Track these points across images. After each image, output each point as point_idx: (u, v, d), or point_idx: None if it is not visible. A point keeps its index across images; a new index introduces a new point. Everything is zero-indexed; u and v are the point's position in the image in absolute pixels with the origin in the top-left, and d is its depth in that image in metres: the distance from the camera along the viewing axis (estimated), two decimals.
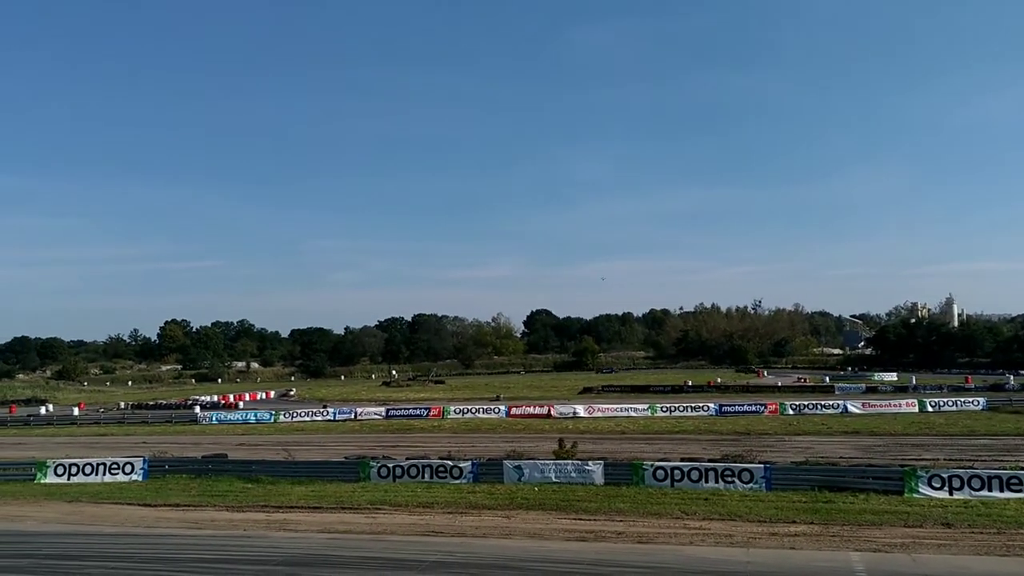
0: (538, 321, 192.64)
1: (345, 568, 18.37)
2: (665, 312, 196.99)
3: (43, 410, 79.62)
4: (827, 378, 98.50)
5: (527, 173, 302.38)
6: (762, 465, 28.17)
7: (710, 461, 29.36)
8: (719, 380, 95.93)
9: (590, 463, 29.67)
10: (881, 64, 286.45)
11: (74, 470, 34.23)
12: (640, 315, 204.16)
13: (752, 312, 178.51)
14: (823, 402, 61.21)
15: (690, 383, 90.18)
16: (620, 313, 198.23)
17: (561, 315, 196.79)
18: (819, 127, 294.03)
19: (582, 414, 58.53)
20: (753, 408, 58.98)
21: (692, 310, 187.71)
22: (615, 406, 61.38)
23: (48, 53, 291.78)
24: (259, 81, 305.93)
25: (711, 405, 59.97)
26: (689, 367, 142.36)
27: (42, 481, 33.76)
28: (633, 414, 58.19)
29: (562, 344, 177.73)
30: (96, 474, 33.96)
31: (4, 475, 34.69)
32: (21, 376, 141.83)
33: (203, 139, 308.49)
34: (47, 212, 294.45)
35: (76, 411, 75.87)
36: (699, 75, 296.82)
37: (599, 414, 58.52)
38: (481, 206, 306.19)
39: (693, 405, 60.46)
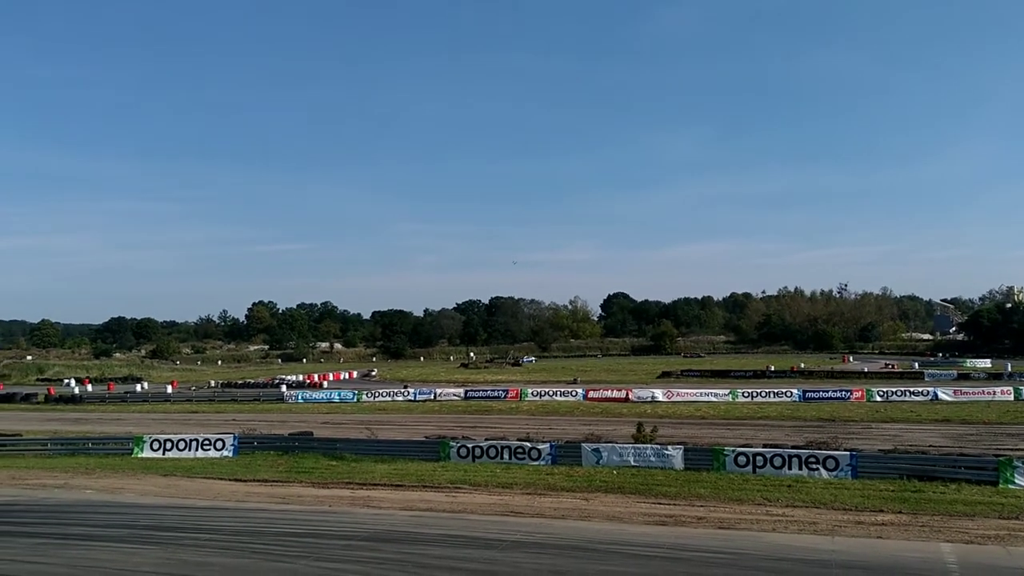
0: (615, 304, 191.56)
1: (428, 545, 18.69)
2: (747, 296, 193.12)
3: (139, 387, 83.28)
4: (916, 364, 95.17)
5: (608, 156, 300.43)
6: (848, 452, 27.47)
7: (793, 448, 28.81)
8: (803, 365, 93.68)
9: (669, 447, 29.43)
10: (975, 44, 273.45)
11: (168, 445, 35.79)
12: (720, 299, 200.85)
13: (838, 296, 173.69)
14: (912, 389, 59.17)
15: (772, 368, 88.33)
16: (700, 297, 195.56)
17: (639, 298, 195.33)
18: (912, 108, 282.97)
19: (661, 398, 58.01)
20: (838, 394, 57.48)
21: (775, 294, 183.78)
22: (695, 391, 60.65)
23: (147, 45, 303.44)
24: (346, 69, 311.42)
25: (794, 391, 58.68)
26: (771, 352, 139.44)
27: (139, 455, 35.41)
28: (713, 399, 57.39)
29: (640, 328, 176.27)
30: (189, 449, 35.44)
31: (104, 449, 36.58)
32: (118, 355, 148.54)
33: (292, 126, 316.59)
34: (143, 197, 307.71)
35: (169, 389, 79.12)
36: (787, 54, 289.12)
37: (678, 399, 57.87)
38: (560, 189, 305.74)
39: (776, 391, 59.23)
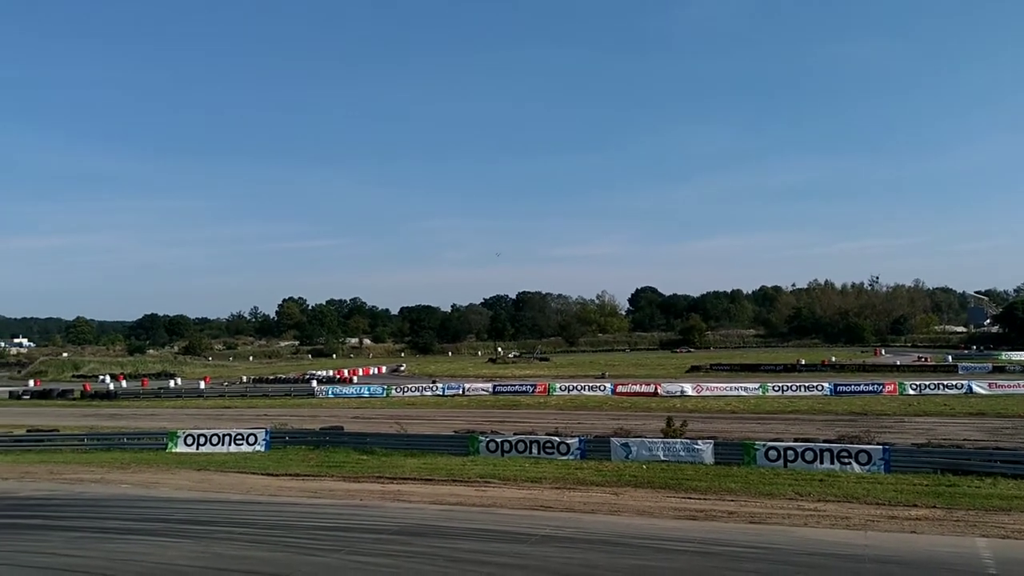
0: (643, 299, 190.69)
1: (458, 539, 18.81)
2: (776, 289, 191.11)
3: (172, 383, 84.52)
4: (950, 357, 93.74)
5: (635, 149, 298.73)
6: (880, 446, 27.19)
7: (825, 442, 28.55)
8: (834, 359, 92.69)
9: (699, 442, 29.32)
10: (1008, 33, 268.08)
11: (202, 440, 36.28)
12: (750, 292, 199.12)
13: (869, 288, 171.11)
14: (946, 382, 58.39)
15: (803, 362, 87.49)
16: (729, 290, 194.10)
17: (667, 292, 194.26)
18: (944, 97, 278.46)
19: (690, 393, 57.77)
20: (870, 388, 56.85)
21: (805, 287, 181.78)
22: (724, 385, 60.33)
23: (176, 44, 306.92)
24: (374, 65, 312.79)
25: (825, 384, 58.16)
26: (802, 345, 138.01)
27: (173, 450, 35.94)
28: (743, 393, 57.05)
29: (668, 322, 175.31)
30: (222, 444, 35.91)
31: (139, 444, 37.17)
32: (151, 351, 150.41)
33: (322, 123, 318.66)
34: (175, 195, 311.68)
35: (202, 384, 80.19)
36: (814, 44, 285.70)
37: (707, 393, 57.60)
38: (587, 184, 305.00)
39: (806, 384, 58.76)
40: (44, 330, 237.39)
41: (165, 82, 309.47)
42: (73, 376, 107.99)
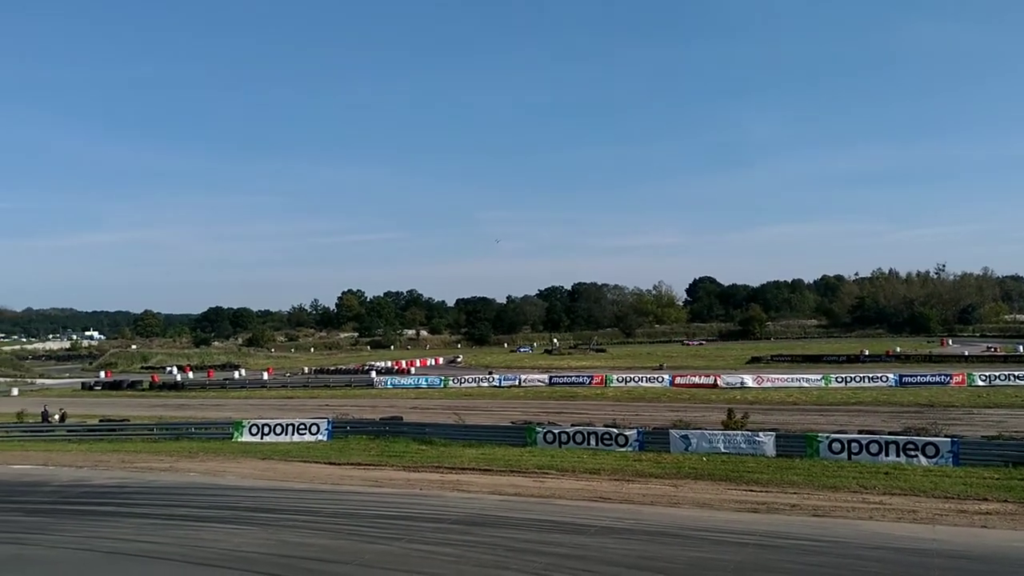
0: (701, 289, 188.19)
1: (517, 529, 18.93)
2: (839, 278, 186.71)
3: (236, 374, 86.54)
4: (1021, 347, 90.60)
5: (694, 136, 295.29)
6: (948, 439, 26.52)
7: (890, 434, 27.98)
8: (898, 349, 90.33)
9: (761, 434, 28.96)
10: None
11: (266, 430, 37.14)
12: (811, 282, 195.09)
13: (935, 277, 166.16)
14: (1016, 373, 56.35)
15: (867, 352, 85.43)
16: (790, 280, 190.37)
17: (726, 282, 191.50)
18: (1016, 82, 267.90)
19: (750, 384, 56.96)
20: (937, 379, 55.34)
21: (868, 276, 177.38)
22: (785, 376, 59.35)
23: (240, 46, 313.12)
24: (433, 59, 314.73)
25: (890, 375, 56.79)
26: (865, 336, 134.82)
27: (238, 439, 36.85)
28: (805, 384, 56.02)
29: (727, 312, 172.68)
30: (285, 434, 36.70)
31: (206, 433, 38.21)
32: (216, 343, 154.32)
33: (379, 119, 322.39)
34: (237, 191, 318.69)
35: (265, 375, 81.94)
36: (876, 29, 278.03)
37: (768, 384, 56.71)
38: (644, 172, 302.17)
39: (870, 375, 57.42)
40: (114, 323, 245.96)
41: (228, 82, 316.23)
42: (142, 368, 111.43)
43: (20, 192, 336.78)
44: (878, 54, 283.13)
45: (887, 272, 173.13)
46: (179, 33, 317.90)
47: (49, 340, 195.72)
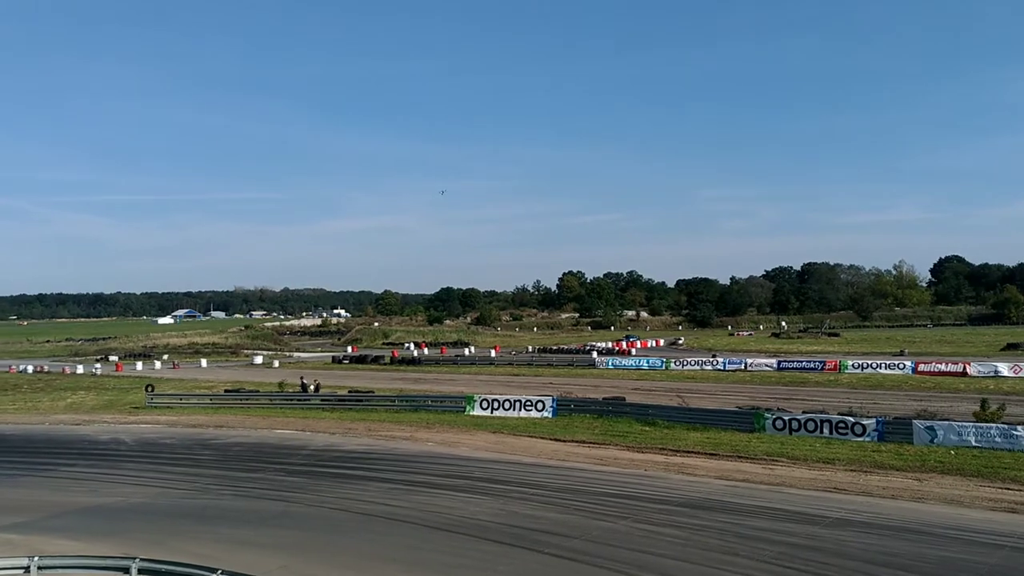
0: (948, 269, 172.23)
1: (746, 516, 18.57)
2: None
3: (466, 351, 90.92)
4: None
5: (939, 99, 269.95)
6: None
7: None
8: None
9: (1019, 428, 26.37)
10: None
11: (495, 405, 38.88)
12: None
13: None
14: None
15: None
16: None
17: (976, 262, 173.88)
18: None
19: (1006, 373, 51.53)
20: None
21: None
22: None
23: (449, 39, 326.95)
24: (652, 35, 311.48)
25: None
26: None
27: (470, 413, 38.84)
28: None
29: (977, 295, 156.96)
30: (513, 409, 38.22)
31: (442, 406, 40.59)
32: (448, 322, 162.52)
33: (596, 103, 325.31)
34: (465, 176, 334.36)
35: (493, 353, 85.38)
36: None
37: None
38: (883, 141, 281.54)
39: None
40: (358, 302, 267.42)
41: (448, 70, 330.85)
42: (383, 343, 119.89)
43: (283, 183, 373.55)
44: None
45: None
46: (430, 31, 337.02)
47: (303, 317, 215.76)
